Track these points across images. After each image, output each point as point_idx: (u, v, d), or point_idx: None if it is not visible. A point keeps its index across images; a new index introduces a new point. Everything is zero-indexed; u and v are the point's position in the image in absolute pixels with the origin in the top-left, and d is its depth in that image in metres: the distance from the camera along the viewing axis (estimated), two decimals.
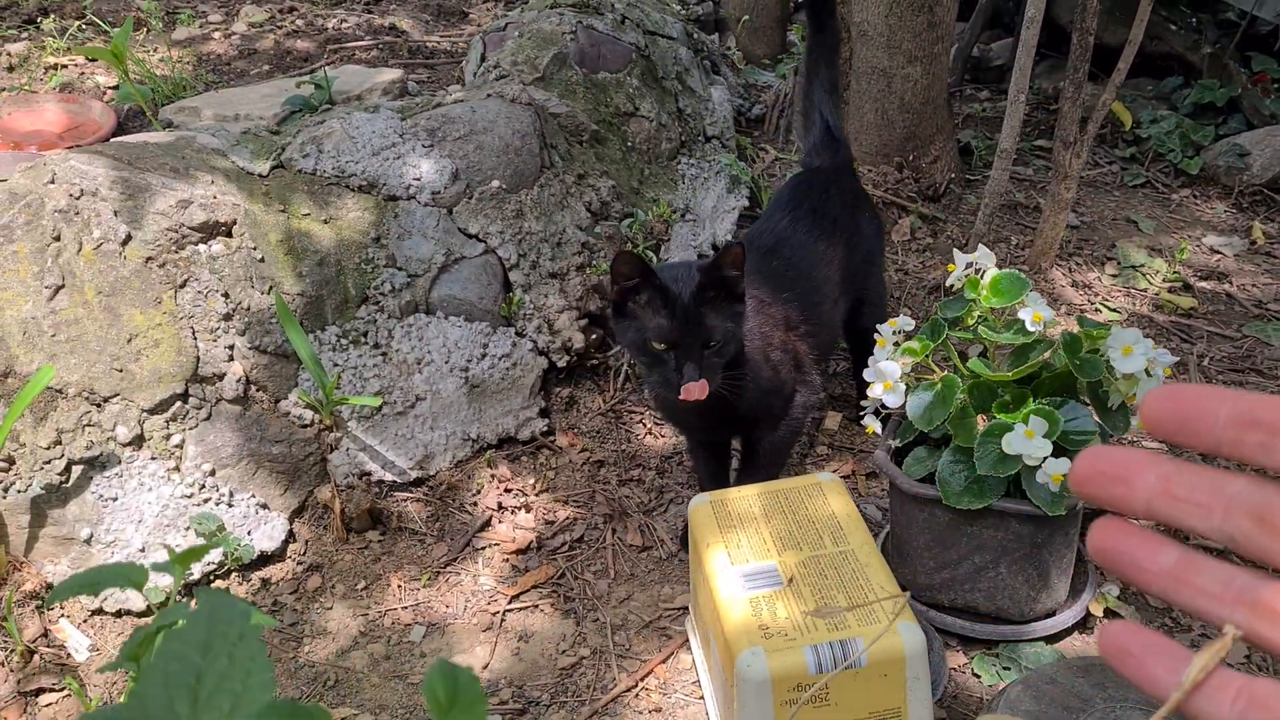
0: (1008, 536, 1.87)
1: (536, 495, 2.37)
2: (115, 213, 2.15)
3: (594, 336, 2.61)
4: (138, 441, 2.11)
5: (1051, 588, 1.94)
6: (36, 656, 1.99)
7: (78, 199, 2.13)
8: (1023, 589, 1.92)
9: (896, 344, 1.94)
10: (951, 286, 1.95)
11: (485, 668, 1.97)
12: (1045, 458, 1.73)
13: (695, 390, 1.79)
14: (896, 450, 1.99)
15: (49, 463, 2.04)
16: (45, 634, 2.04)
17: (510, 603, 2.11)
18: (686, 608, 2.06)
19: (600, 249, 2.64)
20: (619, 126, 3.05)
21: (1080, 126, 3.00)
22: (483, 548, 2.25)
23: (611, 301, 1.88)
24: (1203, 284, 3.29)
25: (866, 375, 1.97)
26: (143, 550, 2.08)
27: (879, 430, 1.99)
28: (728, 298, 1.85)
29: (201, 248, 2.20)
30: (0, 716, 1.88)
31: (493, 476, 2.40)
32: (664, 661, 1.95)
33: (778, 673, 1.52)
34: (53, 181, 2.14)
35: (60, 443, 2.05)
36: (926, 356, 1.90)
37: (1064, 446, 1.77)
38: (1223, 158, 3.83)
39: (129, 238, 2.15)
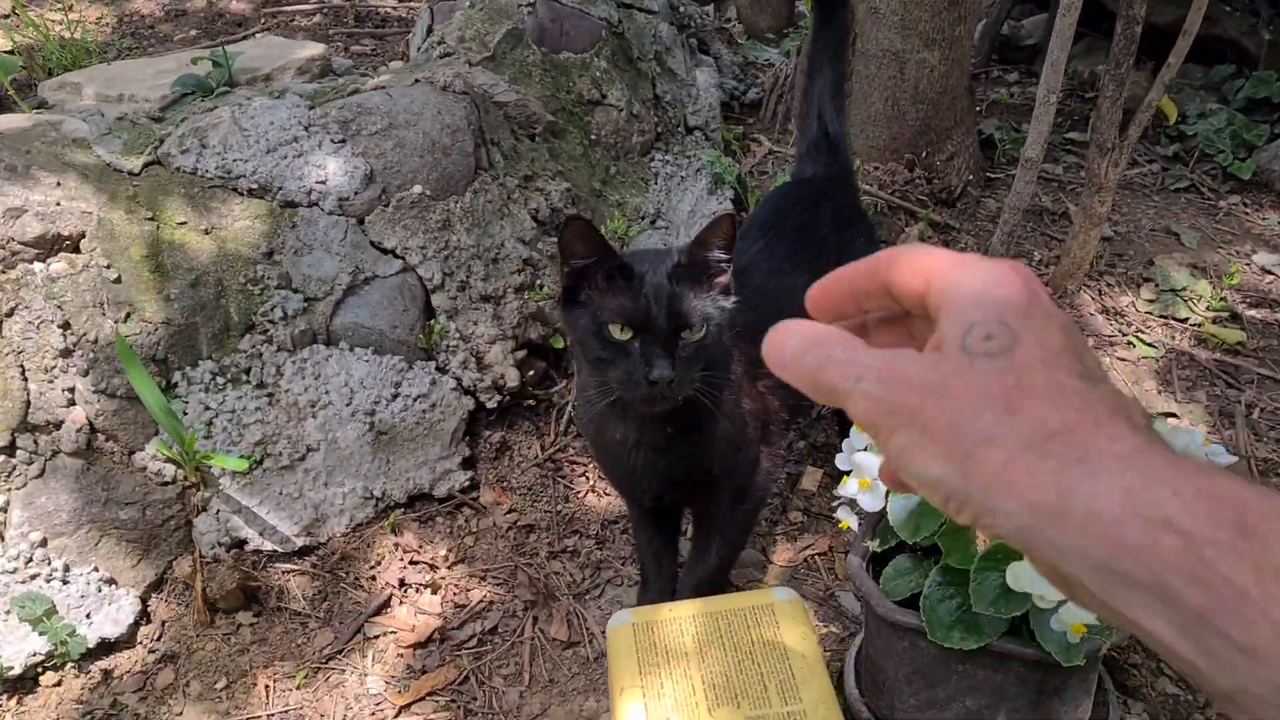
0: (1009, 680, 1.47)
1: (449, 568, 1.98)
2: None
3: (532, 372, 2.21)
4: None
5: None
6: None
7: None
8: None
9: None
10: None
11: None
12: (1062, 601, 1.33)
13: (664, 382, 1.38)
14: (875, 555, 1.59)
15: None
16: None
17: (399, 715, 1.73)
18: None
19: (545, 267, 2.23)
20: (581, 117, 2.62)
21: (1120, 130, 2.56)
22: (376, 636, 1.87)
23: (561, 287, 1.47)
24: (1253, 312, 2.85)
25: (840, 460, 1.56)
26: None
27: (854, 526, 1.59)
28: (713, 282, 1.46)
29: (37, 267, 1.80)
30: None
31: (396, 545, 2.00)
32: None
33: None
34: None
35: None
36: None
37: None
38: (1279, 162, 3.37)
39: None
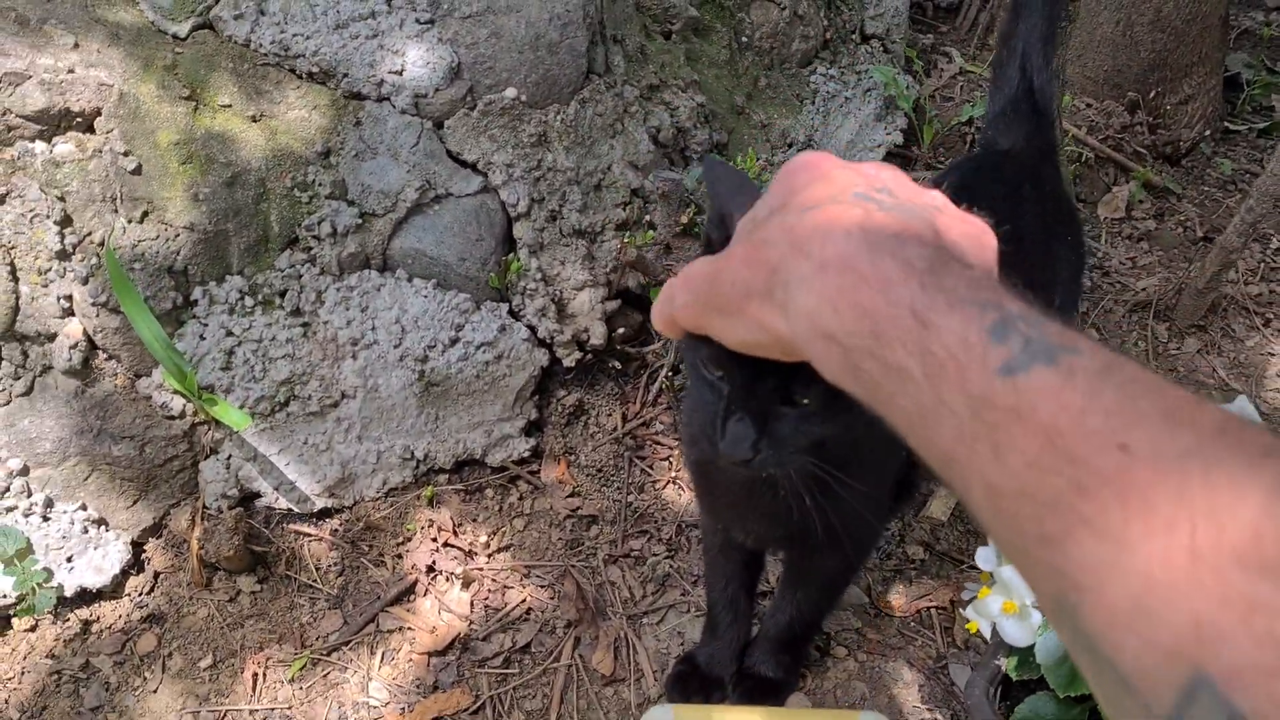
0: None
1: (488, 557, 1.67)
2: None
3: (622, 329, 1.84)
4: None
5: None
6: None
7: None
8: None
9: None
10: None
11: None
12: None
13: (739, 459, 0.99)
14: (1006, 681, 1.20)
15: None
16: None
17: None
18: None
19: (656, 203, 1.83)
20: (733, 13, 2.16)
21: None
22: (390, 631, 1.58)
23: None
24: None
25: (981, 559, 1.16)
26: None
27: (984, 631, 1.19)
28: None
29: (37, 146, 1.50)
30: None
31: (432, 522, 1.70)
32: None
33: None
34: None
35: None
36: None
37: None
38: None
39: None
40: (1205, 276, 2.11)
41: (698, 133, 1.98)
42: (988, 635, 1.20)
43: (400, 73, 1.70)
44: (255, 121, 1.65)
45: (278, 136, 1.66)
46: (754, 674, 1.48)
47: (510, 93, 1.73)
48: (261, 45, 1.68)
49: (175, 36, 1.67)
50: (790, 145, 2.15)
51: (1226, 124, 2.76)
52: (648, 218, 1.84)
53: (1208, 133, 2.60)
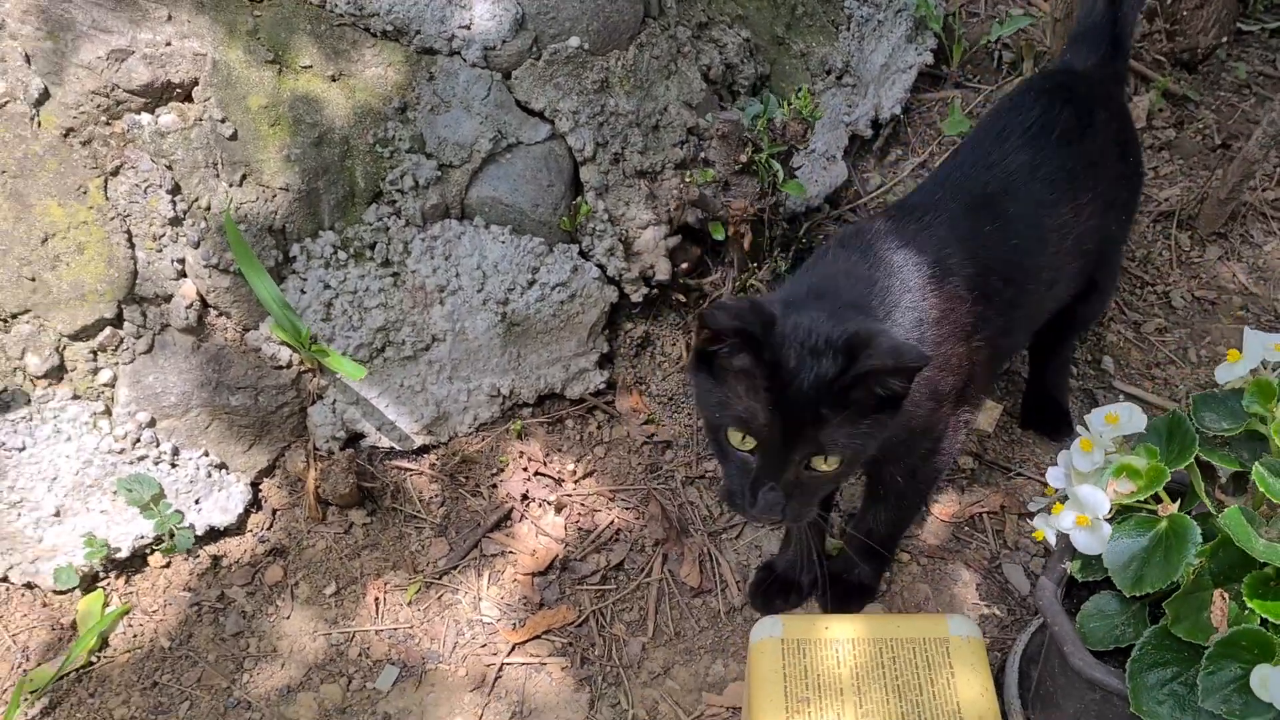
0: None
1: (575, 483, 1.81)
2: (28, 58, 1.53)
3: (684, 264, 1.95)
4: (55, 374, 1.60)
5: None
6: None
7: None
8: None
9: (1108, 453, 1.25)
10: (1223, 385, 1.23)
11: None
12: None
13: (768, 518, 1.16)
14: (1071, 582, 1.35)
15: None
16: None
17: (511, 652, 1.61)
18: (738, 710, 1.52)
19: (711, 143, 1.92)
20: None
21: None
22: (493, 555, 1.73)
23: (694, 349, 1.21)
24: None
25: (1052, 476, 1.30)
26: (57, 515, 1.62)
27: (1050, 539, 1.34)
28: (876, 404, 1.15)
29: (144, 119, 1.58)
30: None
31: (522, 453, 1.83)
32: None
33: None
34: None
35: None
36: (1159, 483, 1.21)
37: None
38: None
39: (45, 95, 1.55)
40: (1227, 187, 2.22)
41: (744, 67, 2.06)
42: (1053, 542, 1.35)
43: (469, 26, 1.77)
44: (334, 81, 1.73)
45: (357, 94, 1.74)
46: (841, 580, 1.64)
47: (574, 41, 1.81)
48: (337, 5, 1.75)
49: (253, 0, 1.73)
50: (829, 72, 2.23)
51: (1239, 24, 2.82)
52: (703, 155, 1.93)
53: (1224, 39, 2.67)
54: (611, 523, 1.76)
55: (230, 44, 1.66)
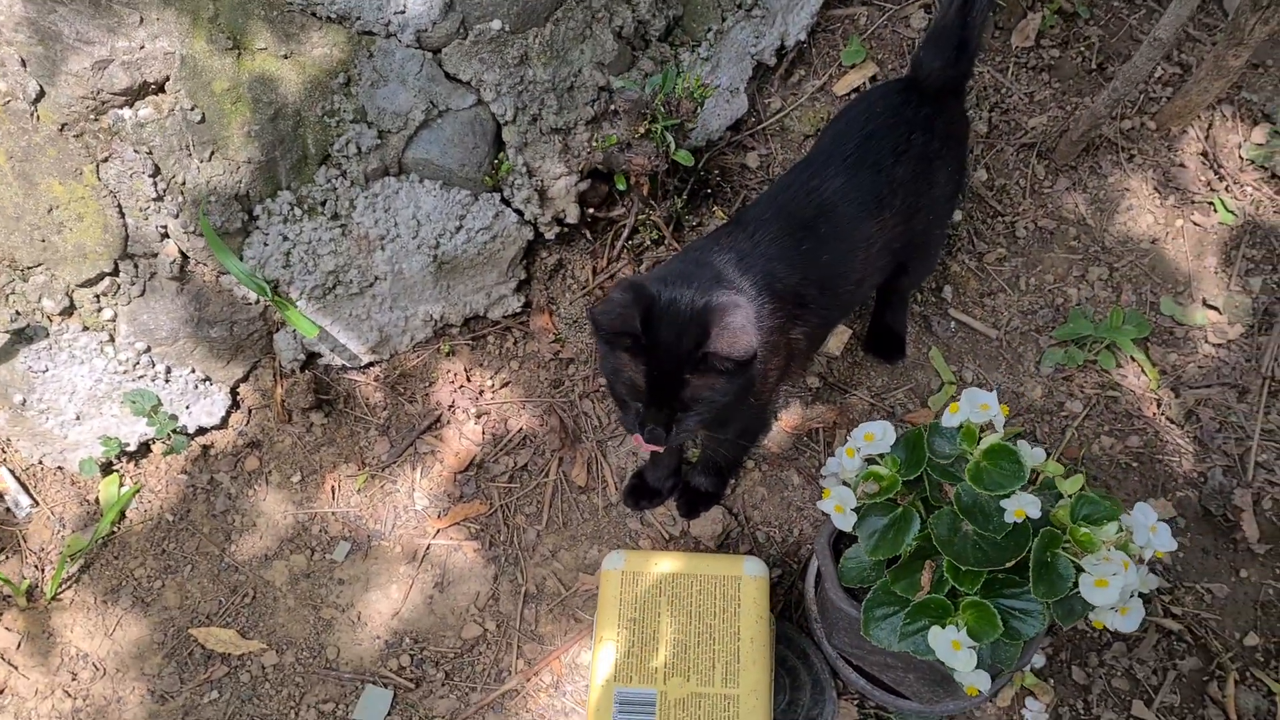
0: (921, 663, 1.79)
1: (493, 394, 2.25)
2: (23, 62, 1.81)
3: (590, 209, 2.29)
4: (67, 313, 1.98)
5: (956, 694, 1.89)
6: None
7: None
8: (926, 693, 1.88)
9: (867, 460, 1.70)
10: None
11: (395, 614, 2.02)
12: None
13: (652, 446, 1.62)
14: (840, 536, 1.84)
15: None
16: None
17: (436, 535, 2.11)
18: None
19: (618, 114, 2.20)
20: None
21: None
22: (425, 453, 2.19)
23: (591, 319, 1.62)
24: None
25: (825, 471, 1.76)
26: (78, 419, 2.05)
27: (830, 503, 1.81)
28: (731, 368, 1.54)
29: (126, 113, 1.87)
30: None
31: (449, 370, 2.25)
32: (565, 651, 1.99)
33: None
34: None
35: None
36: (895, 487, 1.67)
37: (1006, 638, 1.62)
38: None
39: (41, 95, 1.83)
40: (1085, 123, 2.51)
41: (655, 21, 2.30)
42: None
43: (403, 12, 2.02)
44: (287, 59, 2.00)
45: (306, 71, 2.01)
46: (690, 487, 2.12)
47: (495, 24, 2.06)
48: None
49: None
50: (739, 6, 2.46)
51: None
52: (612, 108, 2.22)
53: None
54: (520, 429, 2.22)
55: (195, 34, 1.92)
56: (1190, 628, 2.02)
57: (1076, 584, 1.59)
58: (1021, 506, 1.56)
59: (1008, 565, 1.59)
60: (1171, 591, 2.07)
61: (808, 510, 2.15)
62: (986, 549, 1.60)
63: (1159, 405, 2.30)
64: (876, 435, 1.69)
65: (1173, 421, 2.28)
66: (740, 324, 1.52)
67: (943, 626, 1.61)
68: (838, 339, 2.37)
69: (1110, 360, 2.34)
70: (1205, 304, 2.47)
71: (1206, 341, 2.40)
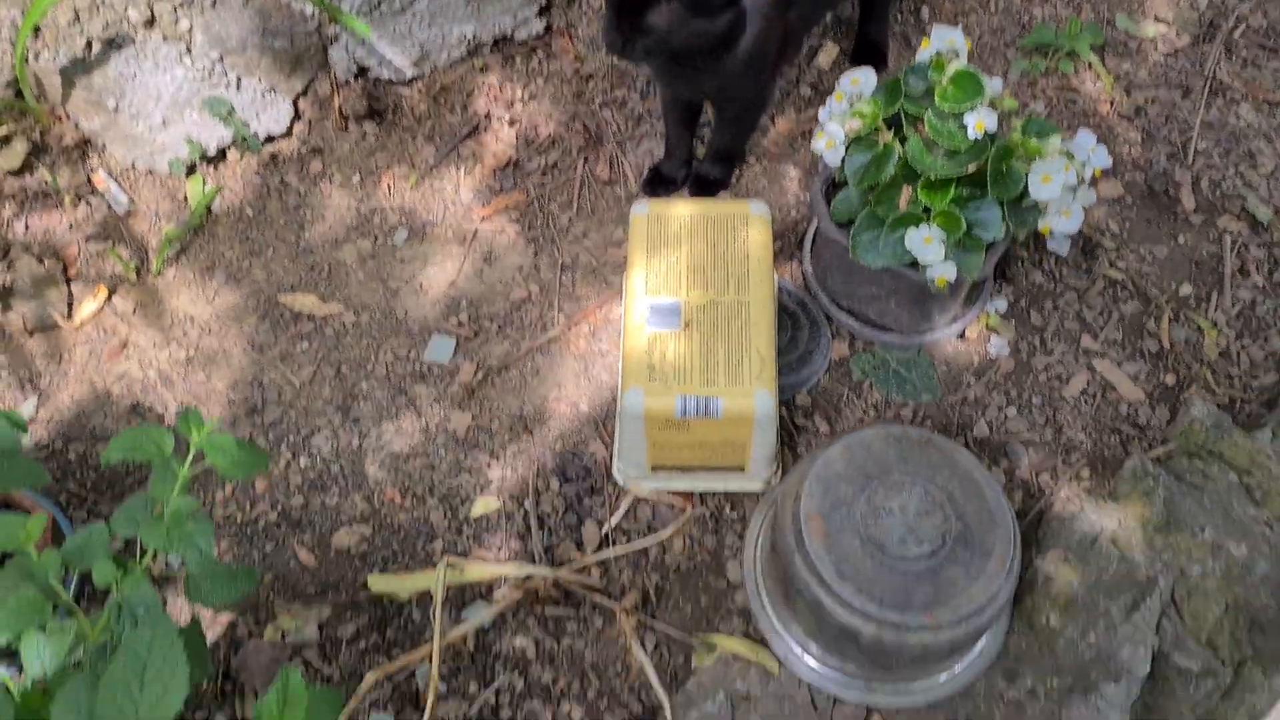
0: (900, 284, 2.13)
1: (523, 105, 2.54)
2: None
3: None
4: (149, 24, 2.26)
5: (933, 320, 2.24)
6: (83, 203, 2.37)
7: None
8: (906, 319, 2.22)
9: (852, 102, 2.00)
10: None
11: (452, 284, 2.35)
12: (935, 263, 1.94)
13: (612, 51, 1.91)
14: (832, 182, 2.16)
15: (71, 38, 2.22)
16: (88, 181, 2.40)
17: (482, 222, 2.42)
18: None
19: None
20: None
21: None
22: (466, 156, 2.49)
23: None
24: None
25: (822, 114, 2.06)
26: (163, 123, 2.34)
27: (823, 156, 2.13)
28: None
29: None
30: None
31: (484, 83, 2.54)
32: (599, 308, 2.32)
33: (651, 410, 1.91)
34: None
35: (79, 20, 2.21)
36: (876, 122, 1.98)
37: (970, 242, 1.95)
38: None
39: None
40: None
41: None
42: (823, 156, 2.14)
43: None
44: None
45: None
46: (700, 175, 2.43)
47: None
48: None
49: None
50: None
51: None
52: None
53: None
54: (549, 134, 2.51)
55: None
56: (1133, 279, 2.36)
57: (1026, 187, 1.92)
58: (981, 119, 1.87)
59: (970, 172, 1.91)
60: (1117, 250, 2.40)
61: (803, 196, 2.47)
62: (952, 162, 1.92)
63: (1111, 105, 2.60)
64: (861, 80, 2.00)
65: (1124, 116, 2.58)
66: None
67: (916, 226, 1.94)
68: (827, 55, 2.65)
69: (1069, 66, 2.63)
70: (1156, 18, 2.76)
71: (1156, 50, 2.69)
